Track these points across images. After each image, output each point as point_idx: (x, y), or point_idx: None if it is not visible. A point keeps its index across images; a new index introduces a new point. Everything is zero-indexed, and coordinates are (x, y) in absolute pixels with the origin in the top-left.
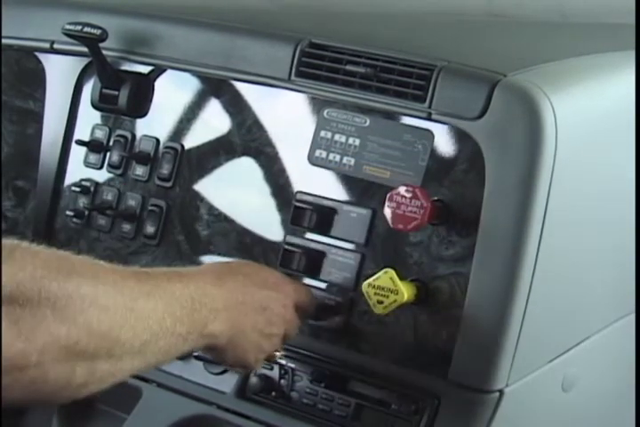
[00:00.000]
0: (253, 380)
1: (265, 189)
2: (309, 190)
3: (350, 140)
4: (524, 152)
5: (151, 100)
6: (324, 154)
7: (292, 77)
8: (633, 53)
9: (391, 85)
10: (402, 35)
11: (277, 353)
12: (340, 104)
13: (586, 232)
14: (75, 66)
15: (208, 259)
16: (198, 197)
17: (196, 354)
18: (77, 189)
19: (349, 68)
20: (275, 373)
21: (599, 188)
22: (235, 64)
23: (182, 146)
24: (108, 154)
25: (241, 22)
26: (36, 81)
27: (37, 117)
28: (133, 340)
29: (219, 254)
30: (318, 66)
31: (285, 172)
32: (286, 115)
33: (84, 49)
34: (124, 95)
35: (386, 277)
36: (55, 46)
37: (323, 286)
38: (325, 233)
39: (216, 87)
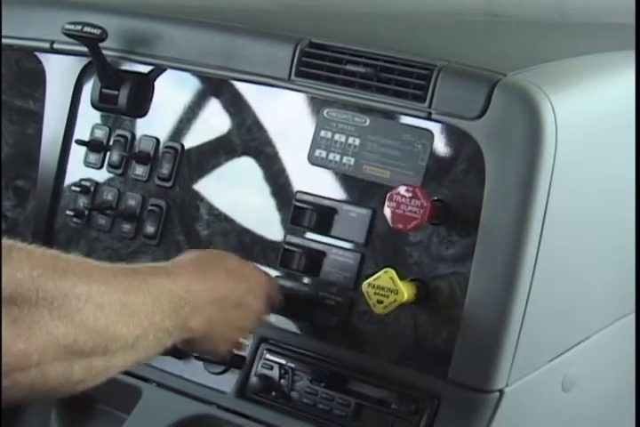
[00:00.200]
0: (253, 380)
1: (265, 189)
2: (309, 190)
3: (350, 140)
4: (524, 152)
5: (151, 100)
6: (323, 154)
7: (292, 77)
8: (633, 53)
9: (391, 85)
10: (402, 35)
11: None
12: (340, 104)
13: (586, 232)
14: (75, 66)
15: None
16: (198, 197)
17: (195, 354)
18: (77, 189)
19: (349, 67)
20: (275, 373)
21: (599, 188)
22: (235, 64)
23: (182, 146)
24: (108, 154)
25: (241, 22)
26: (35, 81)
27: (37, 117)
28: (127, 335)
29: None
30: (318, 66)
31: (285, 171)
32: (286, 115)
33: (84, 49)
34: (124, 95)
35: (386, 276)
36: (55, 46)
37: (323, 285)
38: (325, 233)
39: (216, 87)
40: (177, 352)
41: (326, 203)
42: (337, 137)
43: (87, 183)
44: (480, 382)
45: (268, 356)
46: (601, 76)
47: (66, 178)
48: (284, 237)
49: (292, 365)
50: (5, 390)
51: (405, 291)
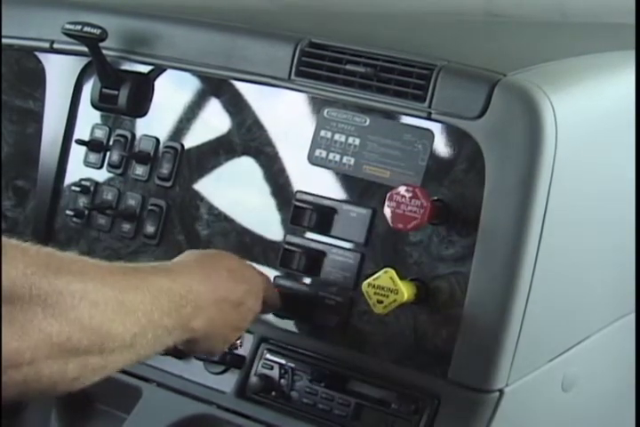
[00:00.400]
0: (253, 380)
1: (265, 189)
2: (309, 190)
3: (350, 140)
4: (524, 152)
5: (151, 100)
6: (323, 153)
7: (292, 77)
8: (633, 53)
9: (391, 85)
10: (402, 35)
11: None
12: (340, 104)
13: (586, 232)
14: (75, 65)
15: None
16: (198, 197)
17: (195, 355)
18: (77, 189)
19: (349, 67)
20: (275, 372)
21: (599, 188)
22: (235, 64)
23: (182, 145)
24: (108, 153)
25: (241, 22)
26: (35, 81)
27: (37, 117)
28: (124, 334)
29: None
30: (318, 65)
31: (285, 171)
32: (286, 114)
33: (84, 49)
34: (124, 95)
35: (386, 276)
36: (55, 46)
37: (323, 285)
38: (325, 233)
39: (216, 87)
40: (177, 352)
41: (326, 203)
42: (337, 137)
43: (87, 183)
44: (480, 381)
45: (268, 356)
46: (601, 75)
47: (66, 178)
48: (284, 236)
49: (292, 365)
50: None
51: (405, 291)
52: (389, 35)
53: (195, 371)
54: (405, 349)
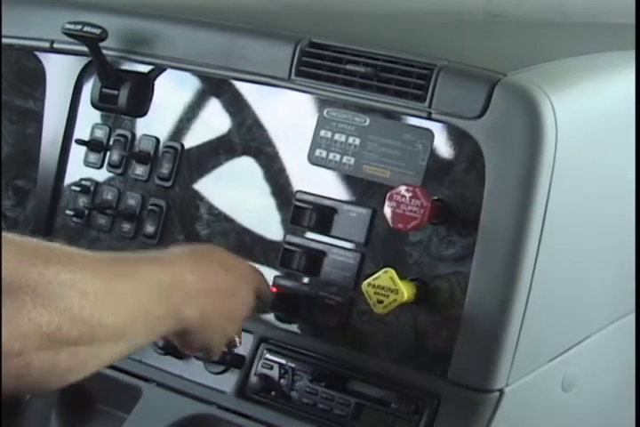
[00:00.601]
0: (253, 379)
1: (265, 189)
2: (309, 190)
3: (350, 140)
4: (524, 152)
5: (151, 100)
6: (324, 153)
7: (293, 77)
8: (633, 53)
9: (391, 85)
10: (402, 35)
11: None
12: (340, 103)
13: (586, 232)
14: (75, 65)
15: None
16: (198, 197)
17: (195, 355)
18: (77, 189)
19: (349, 67)
20: (275, 372)
21: (599, 188)
22: (235, 64)
23: (182, 145)
24: (108, 153)
25: (241, 22)
26: (35, 80)
27: (37, 117)
28: (115, 323)
29: None
30: (318, 65)
31: (285, 171)
32: (286, 114)
33: (84, 48)
34: (124, 95)
35: (386, 276)
36: (55, 46)
37: (323, 285)
38: (325, 233)
39: (216, 87)
40: (177, 352)
41: (326, 203)
42: (337, 137)
43: (87, 183)
44: (480, 381)
45: (268, 356)
46: (601, 75)
47: (66, 178)
48: (284, 236)
49: (292, 364)
50: None
51: (405, 291)
52: (389, 35)
53: (195, 371)
54: (405, 349)
